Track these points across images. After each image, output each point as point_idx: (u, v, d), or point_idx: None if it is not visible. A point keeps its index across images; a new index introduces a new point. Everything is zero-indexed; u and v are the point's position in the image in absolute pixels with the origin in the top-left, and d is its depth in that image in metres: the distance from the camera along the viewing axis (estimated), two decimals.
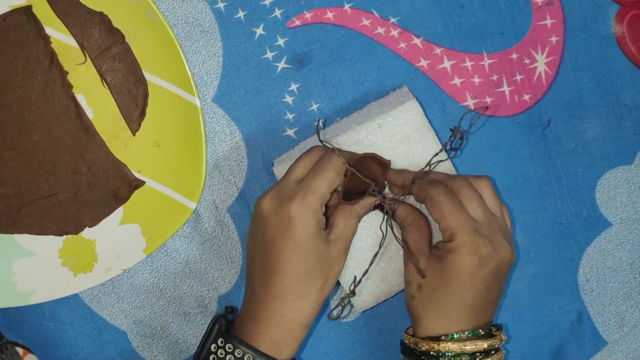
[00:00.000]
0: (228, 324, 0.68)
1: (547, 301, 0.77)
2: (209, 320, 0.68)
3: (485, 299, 0.65)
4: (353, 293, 0.67)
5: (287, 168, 0.68)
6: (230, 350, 0.65)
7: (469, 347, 0.63)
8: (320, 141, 0.68)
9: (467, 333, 0.64)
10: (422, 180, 0.67)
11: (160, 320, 0.76)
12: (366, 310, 0.73)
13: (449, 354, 0.63)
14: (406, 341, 0.67)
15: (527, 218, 0.76)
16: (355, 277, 0.68)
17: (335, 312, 0.67)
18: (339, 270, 0.67)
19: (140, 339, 0.76)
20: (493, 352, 0.65)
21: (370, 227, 0.71)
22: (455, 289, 0.64)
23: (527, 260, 0.76)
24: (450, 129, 0.68)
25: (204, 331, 0.69)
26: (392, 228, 0.66)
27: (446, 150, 0.69)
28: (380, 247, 0.67)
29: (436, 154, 0.68)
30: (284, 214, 0.64)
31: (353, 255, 0.71)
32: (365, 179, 0.66)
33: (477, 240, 0.63)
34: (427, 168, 0.67)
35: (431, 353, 0.64)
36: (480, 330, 0.64)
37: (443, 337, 0.64)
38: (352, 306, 0.75)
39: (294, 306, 0.65)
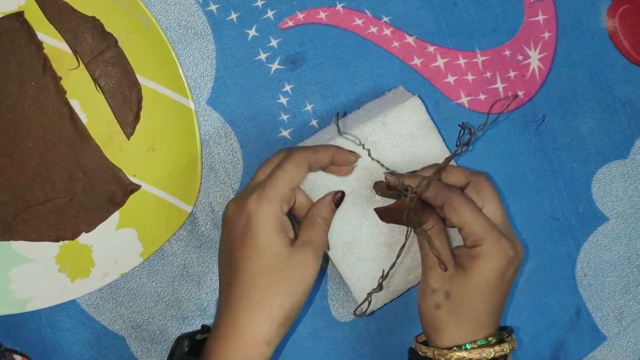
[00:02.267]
0: (198, 343, 0.66)
1: (545, 297, 0.77)
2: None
3: (504, 302, 0.65)
4: (380, 287, 0.65)
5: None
6: None
7: (485, 354, 0.63)
8: (339, 133, 0.68)
9: (480, 341, 0.63)
10: (437, 184, 0.65)
11: (159, 325, 0.76)
12: (374, 312, 0.72)
13: None
14: (429, 354, 0.64)
15: (524, 214, 0.76)
16: (383, 270, 0.66)
17: (359, 310, 0.64)
18: (306, 281, 0.62)
19: (139, 343, 0.76)
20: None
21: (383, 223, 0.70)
22: (484, 295, 0.63)
23: (525, 256, 0.76)
24: (459, 125, 0.66)
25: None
26: (414, 225, 0.64)
27: (456, 146, 0.68)
28: (406, 239, 0.65)
29: (453, 154, 0.67)
30: (242, 211, 0.63)
31: (378, 253, 0.70)
32: None
33: (504, 244, 0.63)
34: (449, 161, 0.66)
35: None
36: (491, 338, 0.64)
37: (470, 344, 0.63)
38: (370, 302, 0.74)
39: (250, 313, 0.61)
